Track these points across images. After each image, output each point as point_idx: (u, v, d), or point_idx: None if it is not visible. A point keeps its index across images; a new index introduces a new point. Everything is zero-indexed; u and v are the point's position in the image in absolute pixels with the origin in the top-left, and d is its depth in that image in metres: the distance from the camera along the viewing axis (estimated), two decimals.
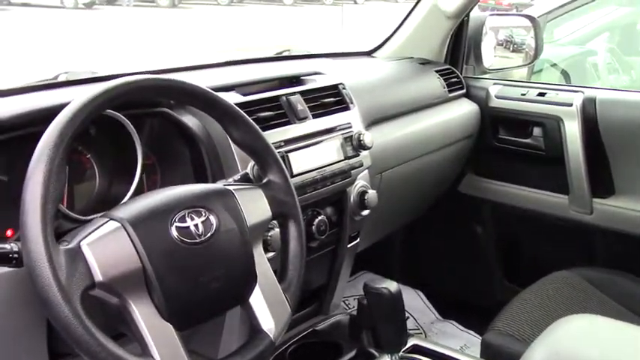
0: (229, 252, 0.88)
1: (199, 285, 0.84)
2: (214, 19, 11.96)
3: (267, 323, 0.92)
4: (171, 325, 0.81)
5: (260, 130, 0.99)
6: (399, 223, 1.96)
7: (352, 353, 1.34)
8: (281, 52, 1.92)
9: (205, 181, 1.14)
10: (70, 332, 0.72)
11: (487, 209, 2.02)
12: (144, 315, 0.79)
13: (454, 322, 2.12)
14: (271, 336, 0.91)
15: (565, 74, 3.08)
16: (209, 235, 0.85)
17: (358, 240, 1.49)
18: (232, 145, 1.13)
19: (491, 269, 2.06)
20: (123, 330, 0.83)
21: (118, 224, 0.80)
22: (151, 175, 1.16)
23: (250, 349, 0.90)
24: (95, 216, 0.90)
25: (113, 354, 0.74)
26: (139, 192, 1.07)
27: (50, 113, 0.81)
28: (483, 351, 1.38)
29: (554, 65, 3.07)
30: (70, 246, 0.76)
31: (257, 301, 0.92)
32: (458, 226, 2.11)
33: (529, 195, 1.89)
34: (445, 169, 1.91)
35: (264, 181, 0.99)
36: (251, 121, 0.98)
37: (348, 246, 1.46)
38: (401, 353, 1.28)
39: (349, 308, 2.09)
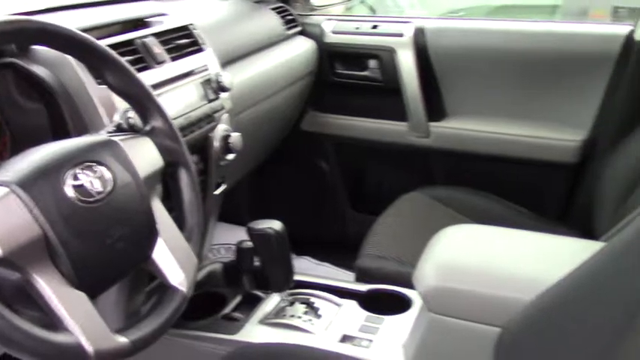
0: (130, 207, 0.81)
1: (105, 245, 0.76)
2: None
3: (177, 277, 0.87)
4: (83, 293, 0.73)
5: (137, 74, 0.91)
6: (249, 166, 1.94)
7: (238, 299, 1.33)
8: None
9: (67, 137, 1.02)
10: None
11: (330, 144, 2.07)
12: (52, 287, 0.70)
13: (308, 258, 2.17)
14: (184, 289, 0.86)
15: (372, 9, 3.22)
16: (107, 191, 0.77)
17: (225, 186, 1.45)
18: (92, 95, 1.03)
19: (340, 202, 2.13)
20: (25, 308, 0.73)
21: (6, 189, 0.69)
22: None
23: (165, 306, 0.84)
24: None
25: (32, 336, 0.65)
26: None
27: None
28: (359, 276, 1.42)
29: (362, 2, 3.18)
30: None
31: (162, 255, 0.86)
32: (303, 163, 2.14)
33: (370, 126, 1.96)
34: (290, 107, 1.91)
35: (148, 128, 0.92)
36: (127, 65, 0.90)
37: (216, 193, 1.42)
38: (289, 290, 1.29)
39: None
